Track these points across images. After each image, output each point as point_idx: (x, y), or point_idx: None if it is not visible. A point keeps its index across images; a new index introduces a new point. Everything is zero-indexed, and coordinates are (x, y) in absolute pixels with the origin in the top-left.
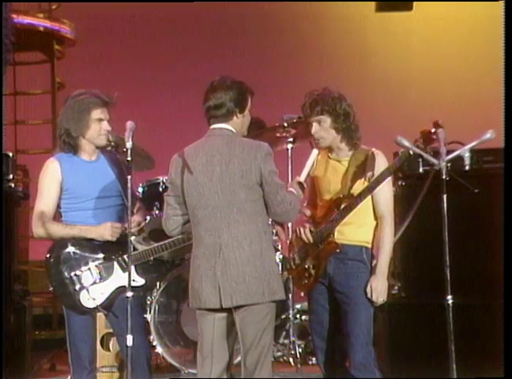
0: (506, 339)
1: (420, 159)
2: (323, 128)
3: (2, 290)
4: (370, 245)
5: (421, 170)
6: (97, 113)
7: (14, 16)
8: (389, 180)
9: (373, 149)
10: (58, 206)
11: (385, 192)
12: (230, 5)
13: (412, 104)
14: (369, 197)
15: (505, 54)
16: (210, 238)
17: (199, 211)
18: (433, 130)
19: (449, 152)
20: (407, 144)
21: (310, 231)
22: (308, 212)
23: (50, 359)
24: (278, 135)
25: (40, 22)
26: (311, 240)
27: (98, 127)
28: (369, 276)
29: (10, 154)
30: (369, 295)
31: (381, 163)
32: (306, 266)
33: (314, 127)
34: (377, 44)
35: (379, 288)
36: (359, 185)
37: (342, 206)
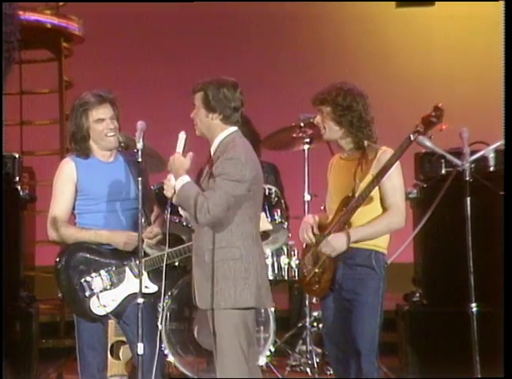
0: (506, 338)
1: (443, 160)
2: (323, 118)
3: (2, 295)
4: (380, 249)
5: (443, 171)
6: (95, 113)
7: (21, 12)
8: (397, 172)
9: (383, 147)
10: (73, 207)
11: (393, 182)
12: (245, 4)
13: (433, 103)
14: (377, 196)
15: (505, 53)
16: (259, 235)
17: (258, 208)
18: (433, 114)
19: (473, 153)
20: (428, 144)
21: (313, 233)
22: (317, 218)
23: (57, 368)
24: (295, 135)
25: (47, 19)
26: (313, 240)
27: (100, 127)
28: (378, 283)
29: (16, 155)
30: (323, 247)
31: None
32: (316, 270)
33: (317, 118)
34: (398, 42)
35: (333, 243)
36: (367, 183)
37: (349, 205)
